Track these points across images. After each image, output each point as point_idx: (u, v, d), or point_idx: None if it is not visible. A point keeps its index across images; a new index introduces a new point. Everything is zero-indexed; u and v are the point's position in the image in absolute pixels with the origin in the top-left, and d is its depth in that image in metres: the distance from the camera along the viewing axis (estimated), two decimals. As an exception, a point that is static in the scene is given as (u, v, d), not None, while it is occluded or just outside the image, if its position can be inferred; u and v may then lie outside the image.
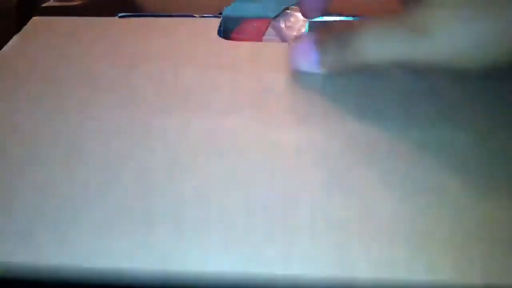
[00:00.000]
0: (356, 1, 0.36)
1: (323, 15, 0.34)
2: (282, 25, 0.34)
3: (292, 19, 0.35)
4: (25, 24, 0.28)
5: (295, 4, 0.32)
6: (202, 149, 0.20)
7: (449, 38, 0.20)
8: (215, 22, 0.27)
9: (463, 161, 0.19)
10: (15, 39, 0.27)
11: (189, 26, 0.27)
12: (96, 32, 0.27)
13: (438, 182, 0.18)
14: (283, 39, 0.33)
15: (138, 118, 0.21)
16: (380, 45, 0.21)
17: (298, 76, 0.23)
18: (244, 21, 0.41)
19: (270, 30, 0.38)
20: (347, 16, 0.34)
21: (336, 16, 0.34)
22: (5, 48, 0.26)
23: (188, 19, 0.28)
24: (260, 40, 0.35)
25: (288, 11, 0.36)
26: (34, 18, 0.29)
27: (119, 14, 0.27)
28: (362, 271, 0.15)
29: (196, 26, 0.27)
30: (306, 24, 0.26)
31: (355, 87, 0.23)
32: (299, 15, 0.35)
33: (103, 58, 0.25)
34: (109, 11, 0.28)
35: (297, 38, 0.23)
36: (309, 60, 0.22)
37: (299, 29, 0.33)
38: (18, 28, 0.28)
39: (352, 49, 0.21)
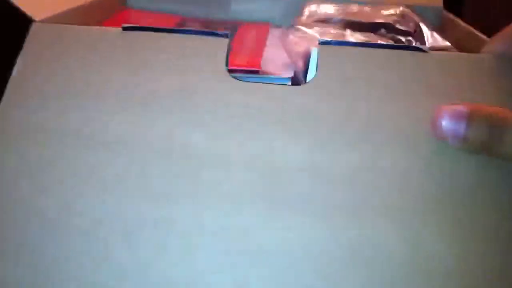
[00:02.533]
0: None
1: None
2: (290, 36, 0.34)
3: (295, 31, 0.35)
4: (25, 25, 0.27)
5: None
6: None
7: None
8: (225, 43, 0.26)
9: None
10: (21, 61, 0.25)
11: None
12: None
13: None
14: (285, 46, 0.33)
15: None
16: None
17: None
18: (244, 25, 0.40)
19: (271, 36, 0.38)
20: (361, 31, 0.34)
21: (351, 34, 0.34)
22: (14, 72, 0.25)
23: (196, 37, 0.27)
24: (263, 46, 0.35)
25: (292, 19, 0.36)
26: (35, 24, 0.27)
27: (123, 25, 0.26)
28: None
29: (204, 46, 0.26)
30: (316, 49, 0.26)
31: None
32: (302, 28, 0.35)
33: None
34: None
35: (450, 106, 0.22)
36: (453, 129, 0.21)
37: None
38: (18, 29, 0.27)
39: (504, 140, 0.20)
